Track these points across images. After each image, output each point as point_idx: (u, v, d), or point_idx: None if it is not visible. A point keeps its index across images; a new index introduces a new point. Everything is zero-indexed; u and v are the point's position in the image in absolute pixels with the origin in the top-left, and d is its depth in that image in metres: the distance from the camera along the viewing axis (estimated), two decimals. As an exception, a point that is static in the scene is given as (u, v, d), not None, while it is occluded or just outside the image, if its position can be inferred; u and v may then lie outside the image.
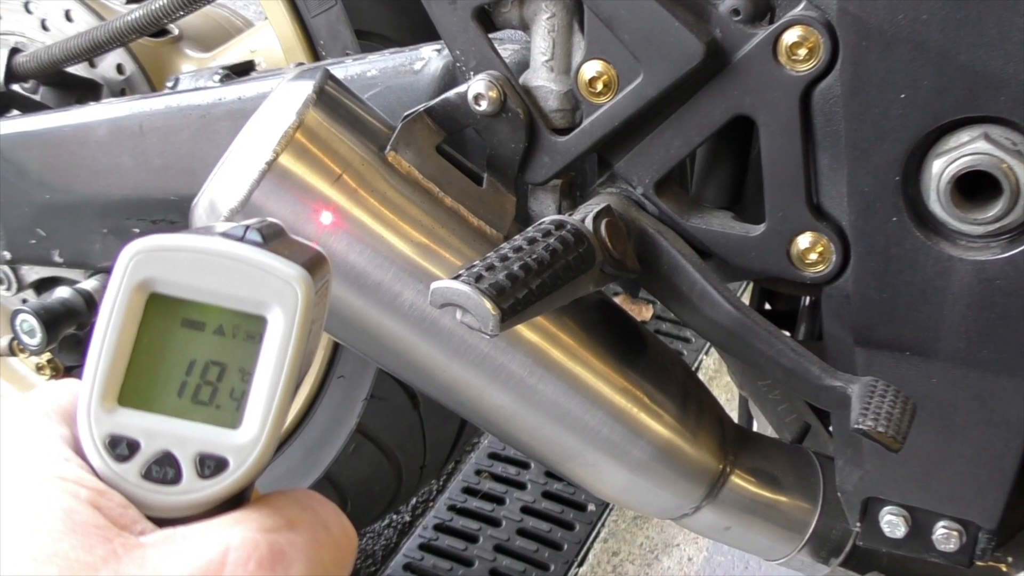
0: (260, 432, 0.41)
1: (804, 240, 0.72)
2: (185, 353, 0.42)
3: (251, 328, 0.42)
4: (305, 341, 0.42)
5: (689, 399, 0.83)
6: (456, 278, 0.61)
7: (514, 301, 0.61)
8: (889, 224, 0.69)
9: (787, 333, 0.76)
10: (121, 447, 0.41)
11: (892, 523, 0.78)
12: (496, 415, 0.79)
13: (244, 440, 0.41)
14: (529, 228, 0.70)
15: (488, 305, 0.59)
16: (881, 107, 0.66)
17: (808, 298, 1.08)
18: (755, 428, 1.17)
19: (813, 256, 0.72)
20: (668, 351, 0.86)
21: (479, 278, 0.61)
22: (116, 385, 0.41)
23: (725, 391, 1.78)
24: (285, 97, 0.73)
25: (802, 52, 0.67)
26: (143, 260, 0.41)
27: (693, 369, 1.87)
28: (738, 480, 0.85)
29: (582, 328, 0.78)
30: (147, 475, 0.41)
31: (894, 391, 0.67)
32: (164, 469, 0.41)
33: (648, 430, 0.80)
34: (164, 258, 0.41)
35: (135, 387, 0.41)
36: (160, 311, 0.42)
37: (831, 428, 0.89)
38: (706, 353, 1.92)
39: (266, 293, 0.41)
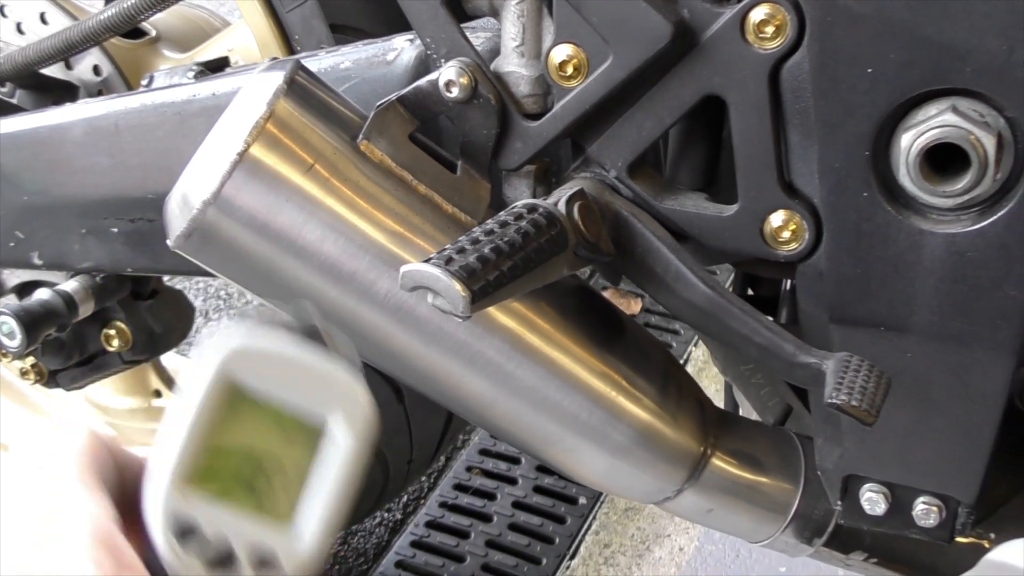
0: (313, 535, 0.44)
1: (777, 218, 0.72)
2: (255, 449, 0.45)
3: (317, 434, 0.46)
4: (363, 456, 0.46)
5: (669, 382, 0.83)
6: (427, 261, 0.61)
7: (485, 283, 0.61)
8: (860, 199, 0.69)
9: (770, 318, 0.76)
10: (186, 533, 0.43)
11: (872, 500, 0.78)
12: (475, 403, 0.79)
13: (297, 541, 0.44)
14: (501, 212, 0.70)
15: (458, 287, 0.59)
16: (849, 82, 0.66)
17: (789, 282, 1.08)
18: (740, 414, 1.18)
19: (786, 234, 0.73)
20: (647, 336, 0.86)
21: (449, 260, 0.61)
22: (188, 472, 0.44)
23: (714, 382, 1.78)
24: (256, 89, 0.73)
25: (769, 30, 0.67)
26: (234, 358, 0.44)
27: (681, 361, 1.88)
28: (719, 462, 0.85)
29: (559, 313, 0.79)
30: (208, 562, 0.44)
31: (868, 366, 0.67)
32: (223, 558, 0.44)
33: (628, 414, 0.80)
34: (254, 359, 0.44)
35: (204, 476, 0.44)
36: (239, 406, 0.45)
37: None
38: (695, 345, 1.92)
39: (337, 404, 0.45)
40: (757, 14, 0.67)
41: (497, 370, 0.77)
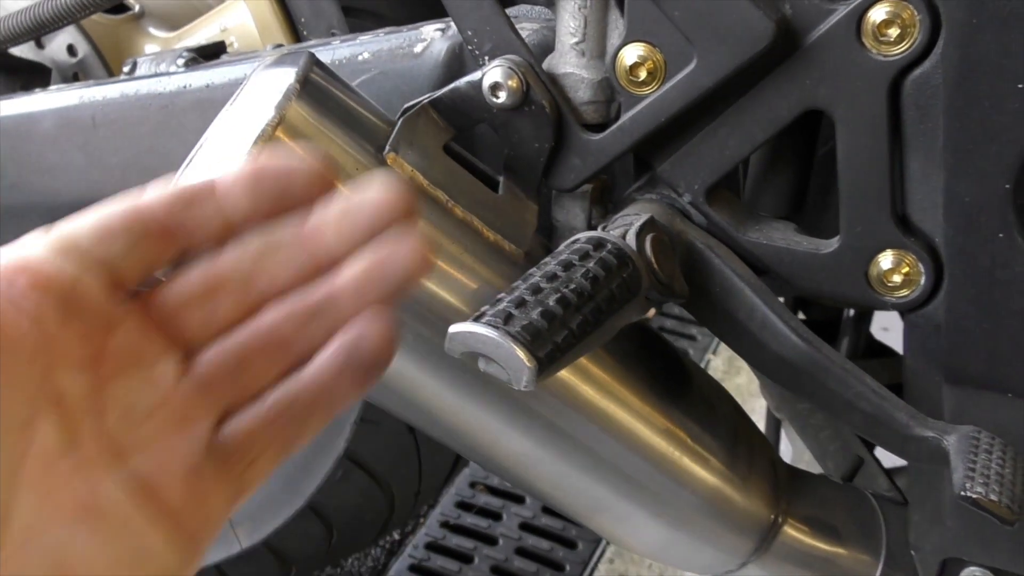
0: None
1: (886, 259, 0.61)
2: None
3: None
4: None
5: (739, 440, 0.71)
6: (479, 319, 0.49)
7: (552, 347, 0.49)
8: (995, 242, 0.57)
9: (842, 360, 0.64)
10: None
11: (978, 588, 0.67)
12: (514, 463, 0.67)
13: None
14: (561, 248, 0.58)
15: (522, 355, 0.47)
16: (993, 100, 0.54)
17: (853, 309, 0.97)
18: (782, 451, 1.06)
19: (897, 278, 0.61)
20: (713, 383, 0.74)
21: (508, 318, 0.49)
22: None
23: (735, 395, 1.66)
24: (262, 88, 0.61)
25: (893, 32, 0.55)
26: None
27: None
28: (791, 531, 0.73)
29: (617, 360, 0.66)
30: None
31: (1001, 445, 0.56)
32: None
33: (693, 478, 0.68)
34: None
35: None
36: None
37: (902, 476, 0.77)
38: (714, 352, 1.81)
39: None
40: (878, 13, 0.55)
41: (543, 427, 0.65)
